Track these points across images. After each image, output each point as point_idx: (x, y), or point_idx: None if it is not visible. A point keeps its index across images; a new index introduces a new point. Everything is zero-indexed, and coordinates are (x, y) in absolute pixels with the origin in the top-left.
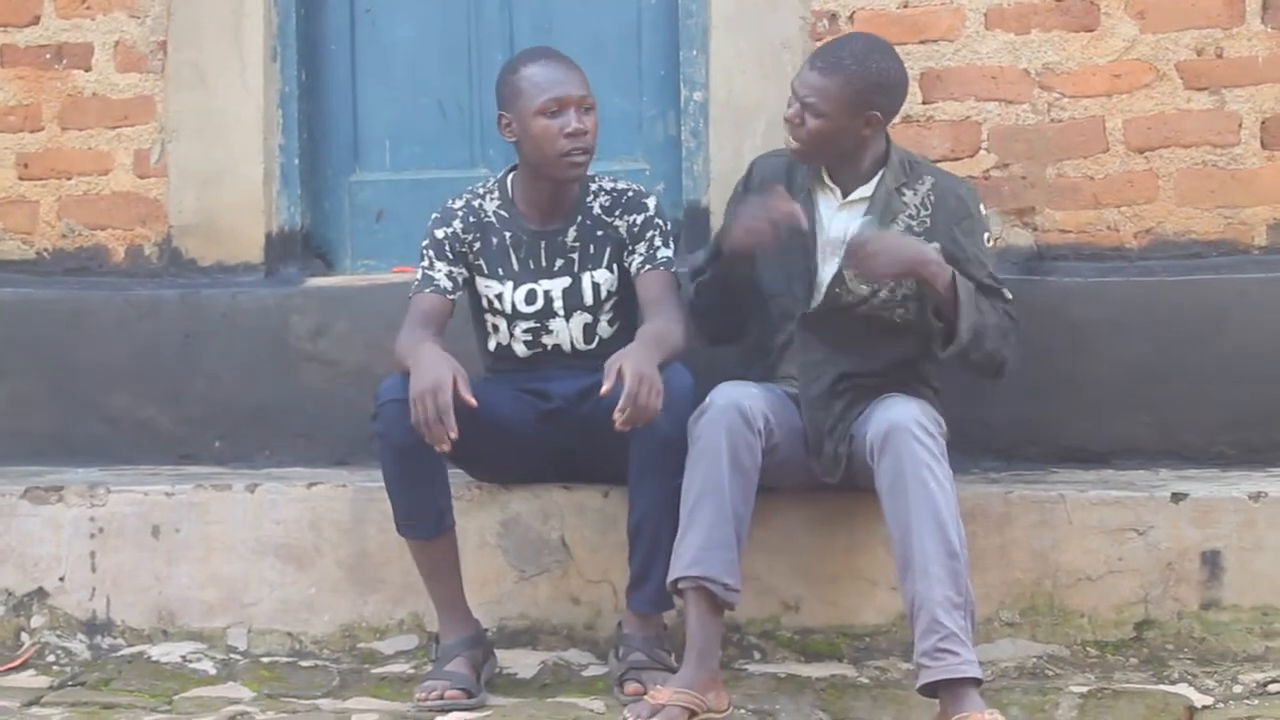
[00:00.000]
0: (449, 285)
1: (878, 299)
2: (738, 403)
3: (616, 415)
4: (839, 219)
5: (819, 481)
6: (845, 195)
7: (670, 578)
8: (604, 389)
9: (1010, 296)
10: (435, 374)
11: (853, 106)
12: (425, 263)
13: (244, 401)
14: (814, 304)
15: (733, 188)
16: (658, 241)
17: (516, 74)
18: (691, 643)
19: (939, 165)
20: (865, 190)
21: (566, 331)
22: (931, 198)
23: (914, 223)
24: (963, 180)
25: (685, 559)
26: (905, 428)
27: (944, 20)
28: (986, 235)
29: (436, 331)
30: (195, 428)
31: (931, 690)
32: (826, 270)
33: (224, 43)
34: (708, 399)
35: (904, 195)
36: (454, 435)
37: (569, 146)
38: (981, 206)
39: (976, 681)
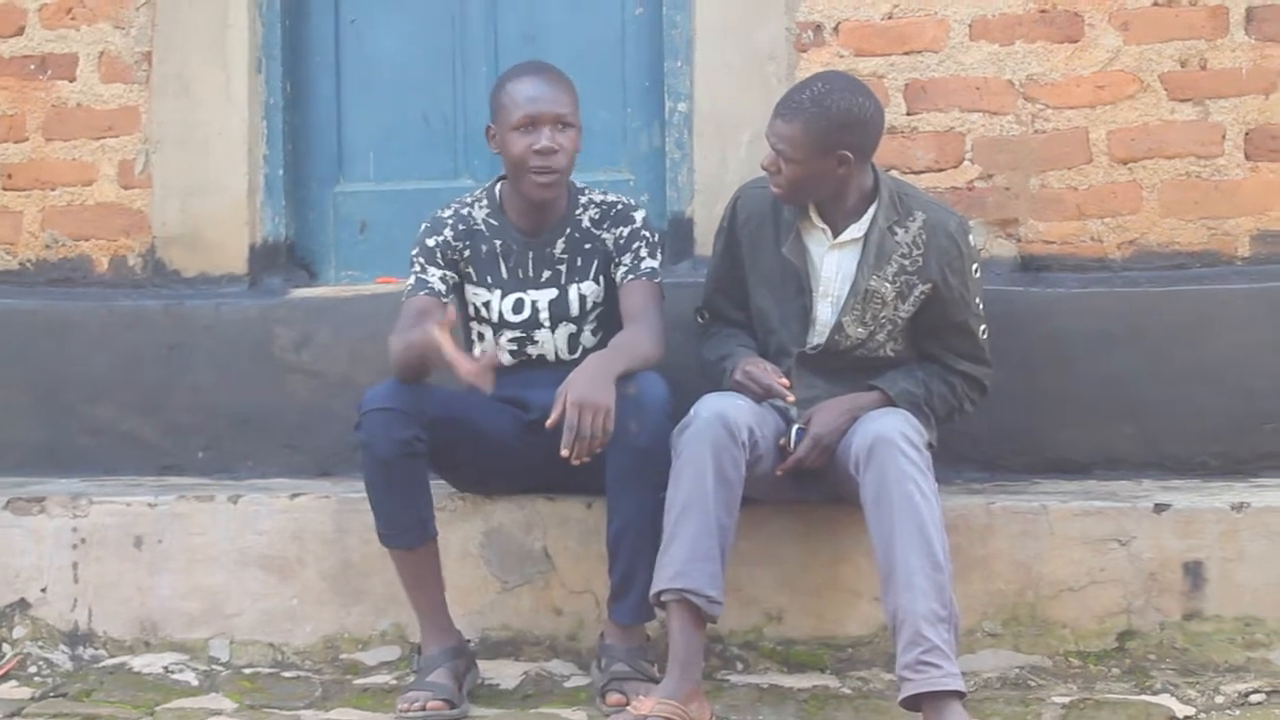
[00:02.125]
0: (442, 288)
1: (874, 340)
2: (723, 415)
3: (563, 451)
4: (830, 259)
5: (799, 495)
6: (835, 234)
7: (654, 590)
8: (549, 420)
9: (985, 339)
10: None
11: (820, 149)
12: (417, 268)
13: (227, 412)
14: (810, 343)
15: (716, 198)
16: (643, 252)
17: (502, 88)
18: (674, 654)
19: (921, 176)
20: (856, 230)
21: (551, 342)
22: (923, 236)
23: (906, 262)
24: (953, 213)
25: (669, 571)
26: (890, 440)
27: (928, 31)
28: (975, 266)
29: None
30: (178, 438)
31: (914, 703)
32: (821, 311)
33: (209, 54)
34: (693, 410)
35: (896, 234)
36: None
37: (537, 164)
38: (971, 238)
39: (959, 694)
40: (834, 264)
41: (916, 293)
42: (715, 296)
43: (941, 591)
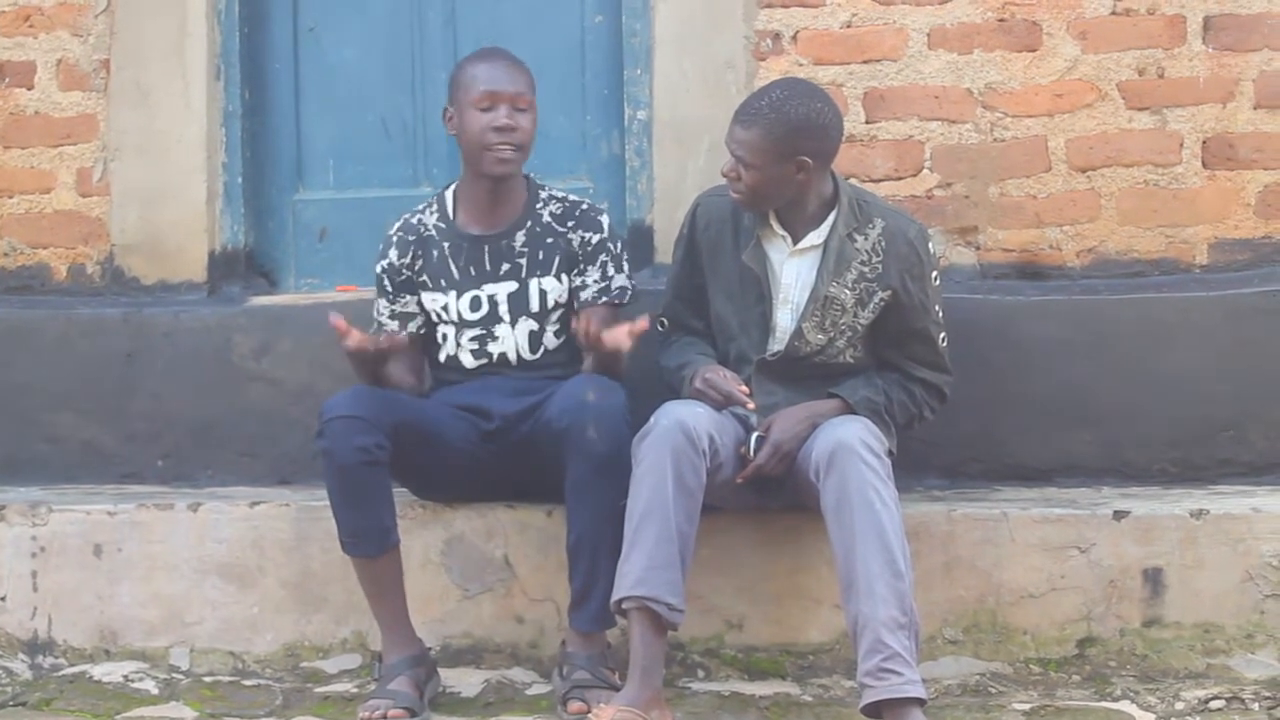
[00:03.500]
0: (394, 325)
1: (834, 347)
2: (683, 422)
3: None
4: (790, 266)
5: (760, 504)
6: (795, 241)
7: (614, 598)
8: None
9: (944, 346)
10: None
11: (778, 154)
12: (376, 308)
13: (187, 420)
14: (770, 350)
15: (676, 206)
16: (611, 270)
17: (461, 69)
18: (635, 661)
19: (880, 184)
20: (816, 238)
21: (512, 338)
22: (883, 243)
23: (866, 269)
24: (912, 220)
25: (629, 579)
26: (851, 448)
27: (887, 40)
28: (935, 274)
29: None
30: (138, 447)
31: (875, 710)
32: (781, 318)
33: (167, 62)
34: (653, 418)
35: (855, 241)
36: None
37: (496, 140)
38: (931, 246)
39: (920, 702)
40: (794, 271)
41: (876, 299)
42: (675, 304)
43: (902, 599)
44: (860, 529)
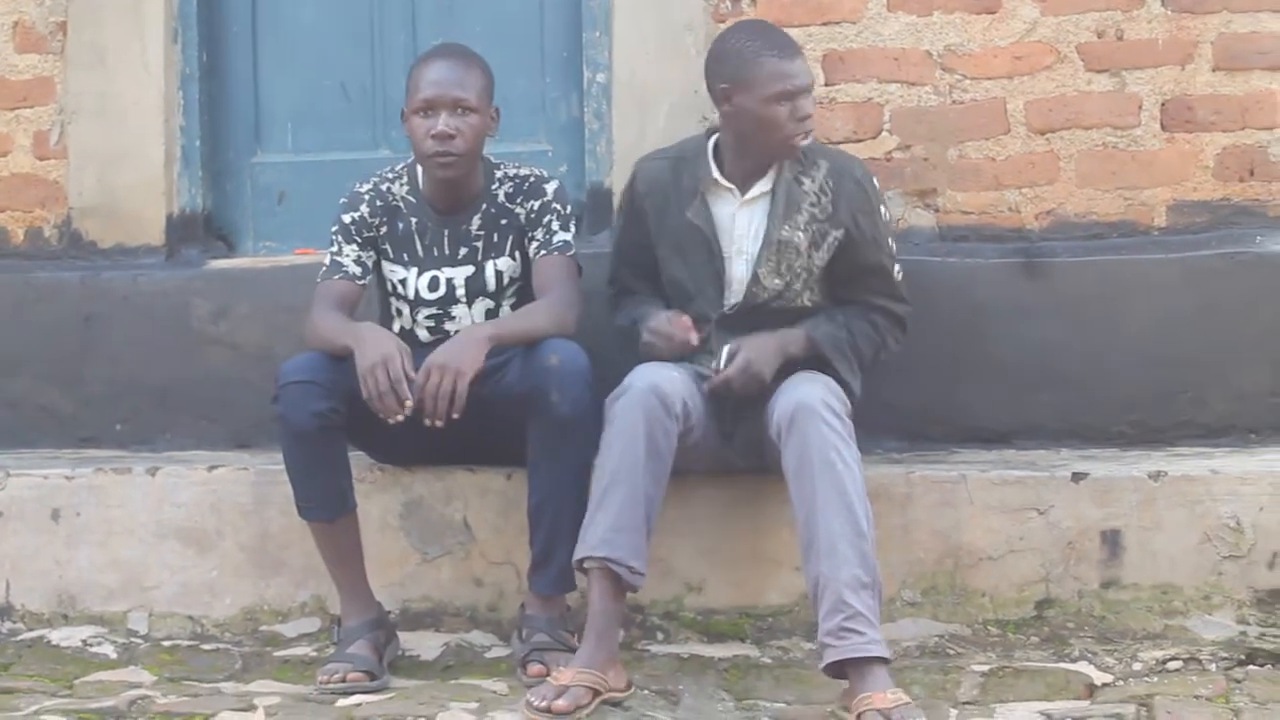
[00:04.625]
0: (358, 271)
1: (791, 291)
2: (657, 386)
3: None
4: (741, 216)
5: (729, 463)
6: (744, 192)
7: (577, 556)
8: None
9: (900, 279)
10: (383, 348)
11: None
12: (334, 248)
13: (145, 384)
14: (728, 303)
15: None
16: (555, 225)
17: (412, 70)
18: (592, 622)
19: (840, 146)
20: (764, 185)
21: (469, 318)
22: (830, 183)
23: (816, 210)
24: (856, 159)
25: (593, 539)
26: (812, 409)
27: (846, 2)
28: (883, 208)
29: (347, 316)
30: (96, 411)
31: (838, 670)
32: (736, 269)
33: (124, 24)
34: (627, 380)
35: (803, 184)
36: (410, 403)
37: (433, 148)
38: (875, 182)
39: (884, 661)
40: (745, 221)
41: (830, 240)
42: (622, 270)
43: (865, 559)
44: (821, 489)
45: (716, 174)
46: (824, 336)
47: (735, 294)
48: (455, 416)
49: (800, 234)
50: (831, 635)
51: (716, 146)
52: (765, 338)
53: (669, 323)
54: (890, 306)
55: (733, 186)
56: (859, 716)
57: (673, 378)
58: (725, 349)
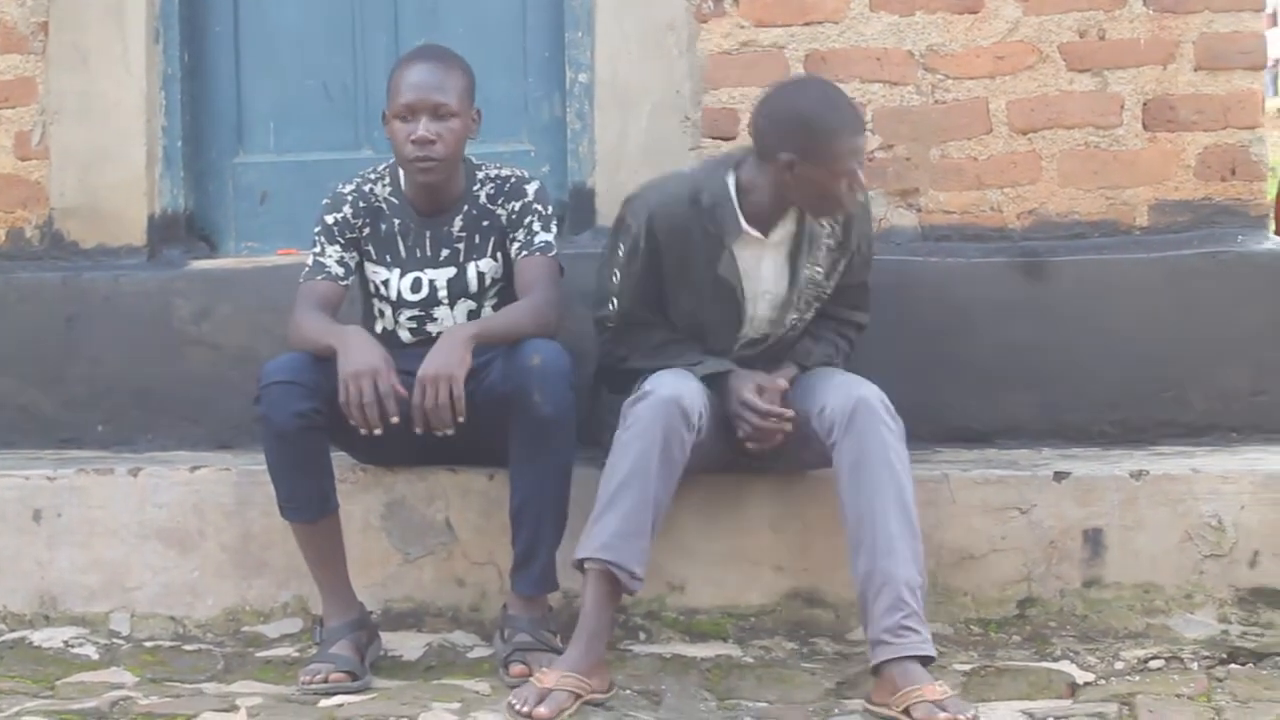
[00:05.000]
0: (340, 271)
1: (804, 320)
2: (680, 398)
3: (416, 429)
4: (767, 260)
5: (729, 463)
6: (768, 235)
7: (579, 555)
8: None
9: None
10: (371, 358)
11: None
12: (317, 249)
13: (127, 385)
14: (744, 337)
15: (618, 168)
16: (536, 226)
17: (392, 73)
18: (584, 624)
19: None
20: (788, 225)
21: (451, 319)
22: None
23: (830, 241)
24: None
25: (598, 540)
26: (873, 407)
27: (829, 2)
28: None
29: (330, 317)
30: (77, 411)
31: (879, 667)
32: (759, 309)
33: (106, 24)
34: (649, 385)
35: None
36: (395, 420)
37: (414, 154)
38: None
39: (932, 660)
40: (771, 263)
41: (840, 266)
42: (635, 308)
43: (919, 560)
44: (881, 487)
45: (745, 225)
46: (813, 364)
47: (757, 329)
48: (461, 420)
49: (819, 269)
50: (890, 632)
51: (739, 188)
52: (769, 378)
53: (765, 402)
54: (859, 318)
55: (760, 235)
56: (908, 710)
57: (694, 389)
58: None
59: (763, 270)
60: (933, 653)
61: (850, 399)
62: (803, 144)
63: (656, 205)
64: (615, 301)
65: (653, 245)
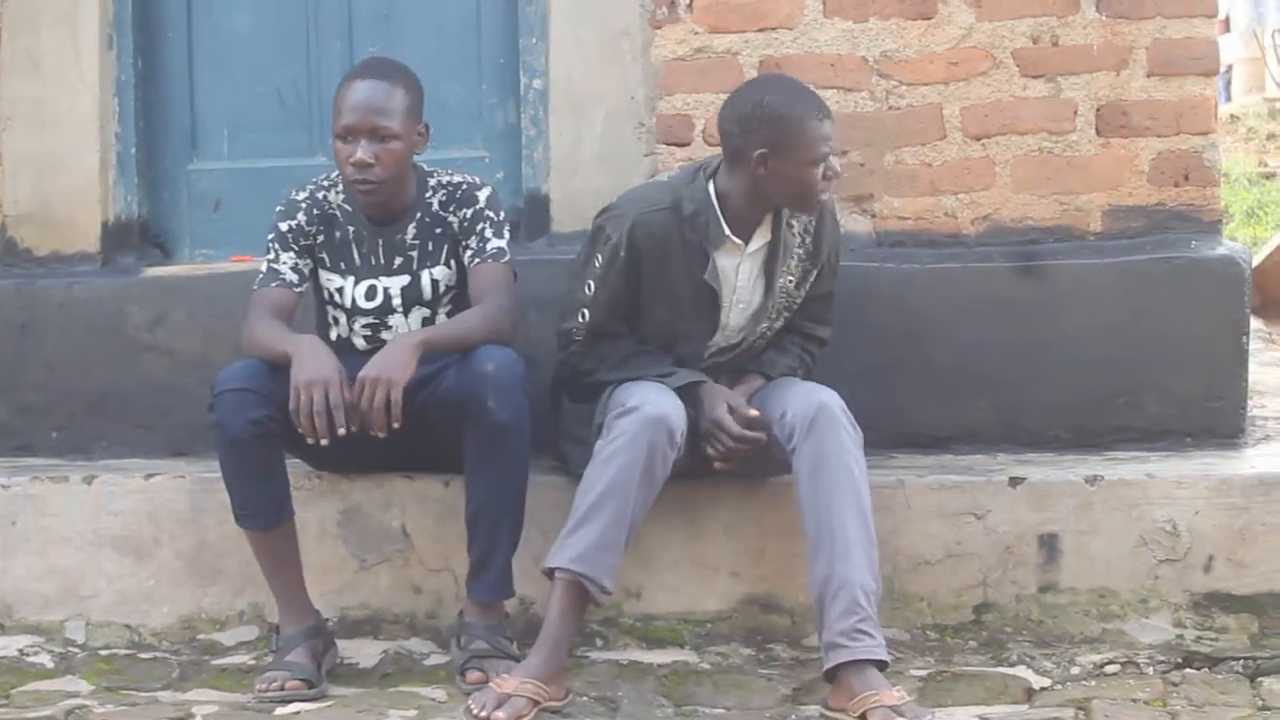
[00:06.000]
0: (294, 278)
1: (773, 329)
2: (667, 416)
3: (350, 427)
4: (744, 268)
5: (695, 469)
6: (747, 243)
7: (551, 563)
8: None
9: (826, 336)
10: (324, 368)
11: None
12: (270, 255)
13: (81, 392)
14: (715, 345)
15: (573, 175)
16: (488, 233)
17: (338, 89)
18: (548, 632)
19: None
20: (764, 234)
21: (406, 327)
22: (812, 223)
23: (801, 250)
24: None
25: (572, 552)
26: (833, 413)
27: (783, 8)
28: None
29: (285, 324)
30: (32, 419)
31: (834, 671)
32: (733, 318)
33: (59, 30)
34: (635, 400)
35: (792, 228)
36: (343, 433)
37: (353, 175)
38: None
39: (884, 664)
40: (747, 272)
41: (810, 276)
42: (608, 321)
43: (874, 566)
44: (839, 494)
45: (729, 232)
46: (785, 373)
47: (728, 338)
48: (396, 426)
49: (791, 278)
50: (845, 636)
51: (718, 195)
52: (743, 394)
53: (731, 414)
54: (820, 332)
55: (740, 242)
56: (864, 715)
57: (678, 406)
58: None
59: (739, 279)
60: (887, 657)
61: (812, 404)
62: (772, 137)
63: (638, 214)
64: (586, 313)
65: (633, 255)
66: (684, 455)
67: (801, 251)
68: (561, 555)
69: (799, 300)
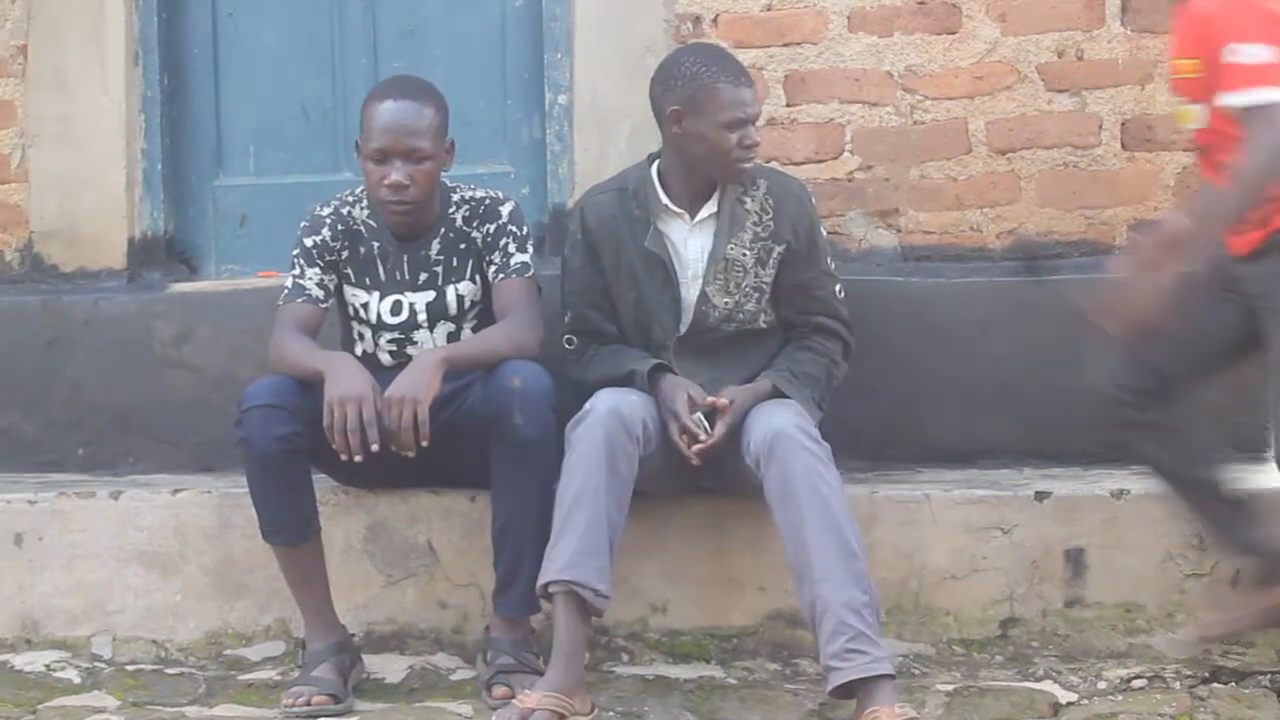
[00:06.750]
0: (320, 294)
1: (744, 311)
2: (618, 410)
3: (374, 447)
4: (693, 241)
5: (694, 486)
6: (693, 215)
7: (541, 581)
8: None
9: (842, 298)
10: (359, 385)
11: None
12: (296, 271)
13: (107, 408)
14: (683, 328)
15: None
16: (512, 248)
17: (366, 107)
18: (559, 646)
19: (802, 167)
20: (711, 206)
21: (431, 342)
22: (770, 201)
23: (759, 228)
24: (794, 178)
25: (558, 563)
26: (790, 436)
27: (807, 23)
28: (821, 227)
29: (311, 340)
30: (58, 435)
31: (845, 691)
32: (691, 293)
33: (85, 47)
34: (588, 405)
35: (745, 203)
36: (375, 449)
37: (388, 197)
38: (813, 199)
39: (891, 677)
40: (697, 244)
41: (774, 256)
42: (587, 312)
43: (860, 578)
44: (809, 515)
45: (666, 200)
46: (783, 382)
47: (707, 319)
48: (424, 444)
49: (746, 251)
50: (836, 658)
51: (659, 172)
52: (744, 392)
53: (686, 416)
54: (830, 325)
55: (682, 211)
56: None
57: (632, 401)
58: (697, 414)
59: (689, 251)
60: (886, 670)
61: (768, 431)
62: (685, 95)
63: (586, 199)
64: (569, 313)
65: (590, 239)
66: (680, 467)
67: (759, 229)
68: (549, 570)
69: (769, 282)
